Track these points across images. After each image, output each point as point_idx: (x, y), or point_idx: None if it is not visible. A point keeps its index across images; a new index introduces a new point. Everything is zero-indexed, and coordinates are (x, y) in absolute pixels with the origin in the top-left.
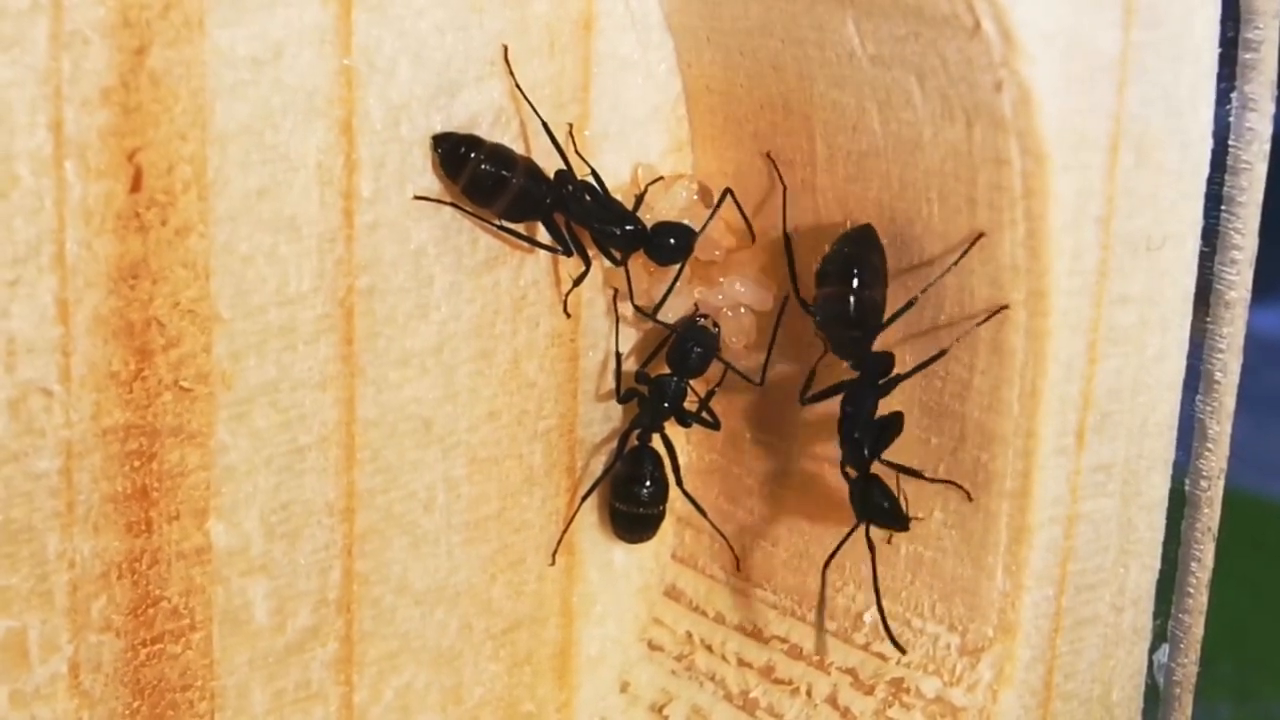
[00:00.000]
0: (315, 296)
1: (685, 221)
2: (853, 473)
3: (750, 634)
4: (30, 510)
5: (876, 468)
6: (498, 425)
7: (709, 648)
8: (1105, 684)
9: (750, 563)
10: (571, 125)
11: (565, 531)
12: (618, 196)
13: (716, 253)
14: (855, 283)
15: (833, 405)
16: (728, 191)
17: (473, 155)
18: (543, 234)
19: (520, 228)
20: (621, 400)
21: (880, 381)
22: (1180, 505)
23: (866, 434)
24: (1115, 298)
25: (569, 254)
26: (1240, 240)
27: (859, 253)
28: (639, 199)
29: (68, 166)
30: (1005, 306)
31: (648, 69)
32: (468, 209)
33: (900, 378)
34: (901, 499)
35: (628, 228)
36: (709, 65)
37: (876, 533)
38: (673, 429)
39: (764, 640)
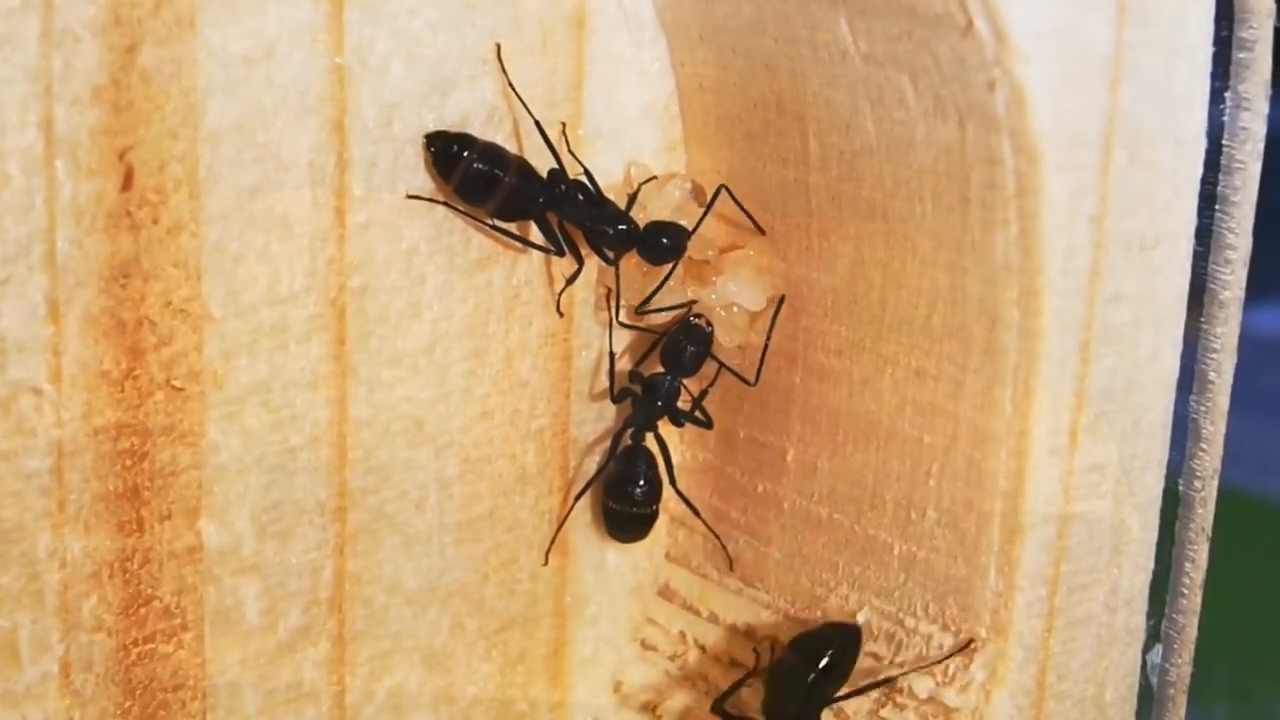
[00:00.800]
0: (307, 296)
1: (678, 220)
2: None
3: (744, 634)
4: (21, 509)
5: None
6: (490, 425)
7: (702, 648)
8: (1099, 684)
9: (743, 562)
10: (564, 124)
11: (558, 531)
12: (611, 196)
13: (710, 251)
14: (819, 669)
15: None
16: (722, 188)
17: (465, 154)
18: (535, 233)
19: (513, 227)
20: (615, 399)
21: None
22: (1174, 505)
23: None
24: (1109, 297)
25: (561, 253)
26: (1234, 240)
27: (837, 647)
28: (632, 198)
29: (58, 165)
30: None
31: (641, 68)
32: (460, 208)
33: None
34: None
35: (621, 227)
36: (702, 64)
37: None
38: (666, 428)
39: (757, 640)
